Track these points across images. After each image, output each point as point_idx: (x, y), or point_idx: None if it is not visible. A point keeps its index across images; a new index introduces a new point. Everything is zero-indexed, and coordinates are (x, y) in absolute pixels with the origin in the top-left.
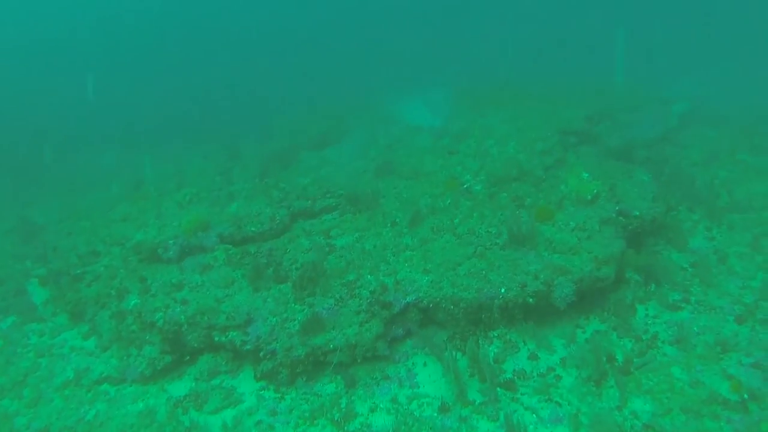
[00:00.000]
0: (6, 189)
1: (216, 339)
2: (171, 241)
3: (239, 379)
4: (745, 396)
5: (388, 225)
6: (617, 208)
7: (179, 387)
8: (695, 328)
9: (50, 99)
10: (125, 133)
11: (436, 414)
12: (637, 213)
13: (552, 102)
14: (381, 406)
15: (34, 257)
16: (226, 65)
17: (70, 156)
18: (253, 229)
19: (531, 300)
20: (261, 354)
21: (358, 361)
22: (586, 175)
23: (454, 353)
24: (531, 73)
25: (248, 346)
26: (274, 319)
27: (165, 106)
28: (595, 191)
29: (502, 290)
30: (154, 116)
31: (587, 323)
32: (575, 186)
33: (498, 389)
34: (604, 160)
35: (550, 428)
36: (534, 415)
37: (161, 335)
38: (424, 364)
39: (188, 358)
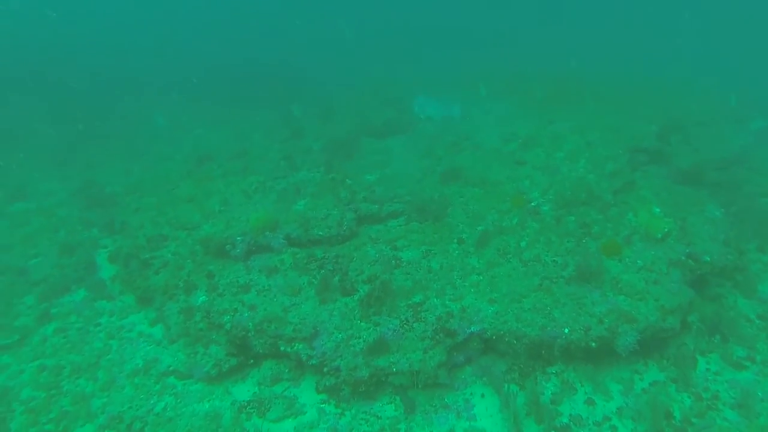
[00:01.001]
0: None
1: (282, 348)
2: (239, 238)
3: (301, 388)
4: None
5: (455, 241)
6: (687, 250)
7: (243, 390)
8: (759, 393)
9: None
10: (184, 87)
11: None
12: (708, 259)
13: (621, 107)
14: None
15: (101, 225)
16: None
17: (130, 106)
18: (320, 233)
19: (593, 344)
20: (324, 369)
21: (419, 386)
22: (658, 210)
23: (512, 388)
24: (599, 64)
25: (313, 361)
26: (340, 335)
27: (225, 66)
28: (666, 230)
29: (566, 331)
30: (215, 73)
31: (646, 370)
32: (645, 221)
33: None
34: (674, 185)
35: None
36: None
37: (227, 337)
38: (482, 396)
39: (252, 361)
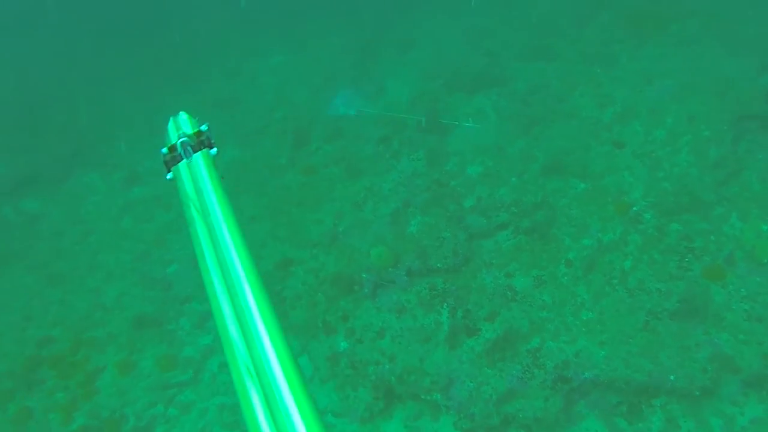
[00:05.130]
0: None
1: (422, 396)
2: (364, 275)
3: (440, 423)
4: None
5: (563, 263)
6: None
7: (391, 429)
8: None
9: None
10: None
11: None
12: None
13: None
14: None
15: None
16: None
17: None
18: (438, 264)
19: (697, 393)
20: (461, 414)
21: (542, 428)
22: (766, 228)
23: (620, 423)
24: None
25: (451, 411)
26: (471, 384)
27: None
28: None
29: (672, 377)
30: None
31: (746, 402)
32: (751, 241)
33: None
34: None
35: None
36: None
37: (372, 384)
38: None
39: (396, 401)
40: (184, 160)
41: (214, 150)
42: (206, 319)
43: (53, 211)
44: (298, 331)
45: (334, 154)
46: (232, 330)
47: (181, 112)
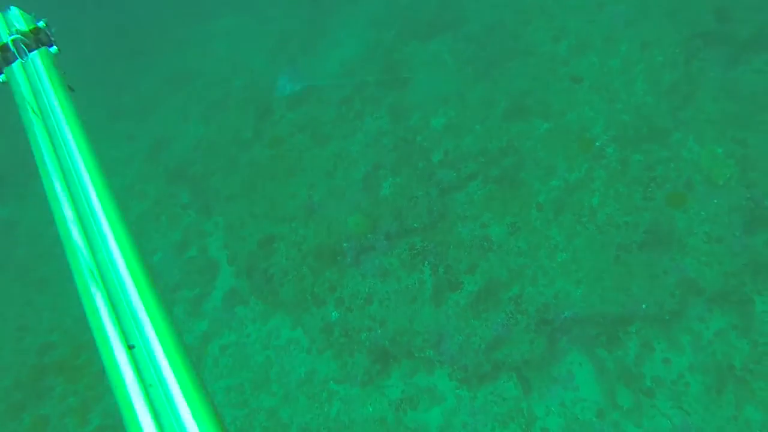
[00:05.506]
0: None
1: (415, 354)
2: (345, 244)
3: (435, 376)
4: None
5: (534, 207)
6: (748, 195)
7: (393, 389)
8: None
9: None
10: None
11: (594, 418)
12: None
13: None
14: (553, 410)
15: (197, 209)
16: None
17: None
18: (415, 224)
19: (667, 317)
20: (454, 367)
21: (531, 369)
22: (720, 151)
23: (601, 353)
24: None
25: (444, 365)
26: (460, 336)
27: None
28: (728, 175)
29: (644, 306)
30: None
31: (711, 318)
32: (708, 165)
33: (640, 395)
34: (735, 79)
35: None
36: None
37: (367, 350)
38: (580, 364)
39: (392, 361)
40: (18, 60)
41: (54, 48)
42: (198, 305)
43: (25, 216)
44: (289, 307)
45: (299, 122)
46: (75, 234)
47: (11, 7)
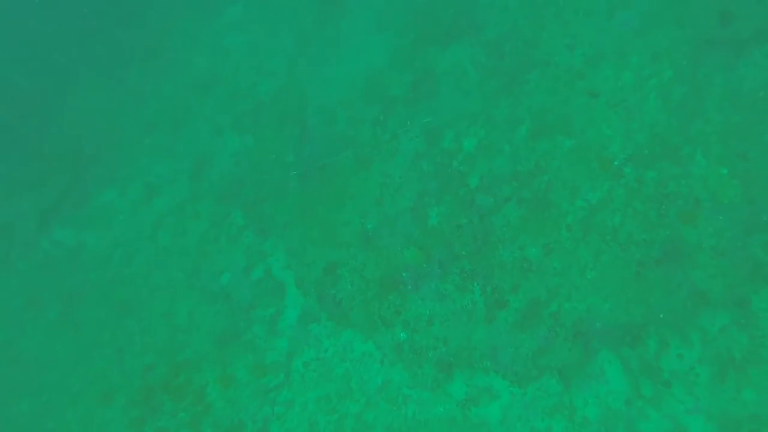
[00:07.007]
0: None
1: (475, 365)
2: (404, 274)
3: (491, 378)
4: None
5: (564, 229)
6: (749, 209)
7: (456, 390)
8: None
9: None
10: None
11: (623, 407)
12: None
13: None
14: (590, 401)
15: (254, 230)
16: None
17: None
18: (463, 252)
19: (681, 323)
20: (507, 372)
21: (570, 370)
22: (725, 171)
23: (626, 351)
24: None
25: (499, 372)
26: (511, 348)
27: None
28: (731, 195)
29: (661, 316)
30: None
31: (715, 314)
32: (714, 184)
33: (660, 386)
34: (743, 96)
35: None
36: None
37: (433, 363)
38: (610, 362)
39: (455, 368)
40: None
41: None
42: (275, 323)
43: (89, 238)
44: (362, 327)
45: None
46: None
47: None
